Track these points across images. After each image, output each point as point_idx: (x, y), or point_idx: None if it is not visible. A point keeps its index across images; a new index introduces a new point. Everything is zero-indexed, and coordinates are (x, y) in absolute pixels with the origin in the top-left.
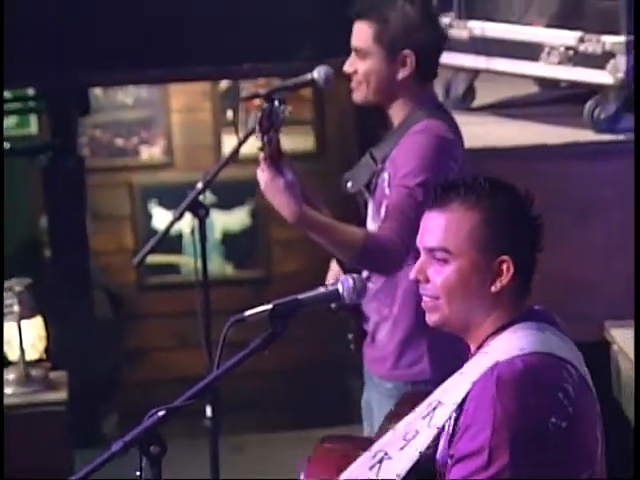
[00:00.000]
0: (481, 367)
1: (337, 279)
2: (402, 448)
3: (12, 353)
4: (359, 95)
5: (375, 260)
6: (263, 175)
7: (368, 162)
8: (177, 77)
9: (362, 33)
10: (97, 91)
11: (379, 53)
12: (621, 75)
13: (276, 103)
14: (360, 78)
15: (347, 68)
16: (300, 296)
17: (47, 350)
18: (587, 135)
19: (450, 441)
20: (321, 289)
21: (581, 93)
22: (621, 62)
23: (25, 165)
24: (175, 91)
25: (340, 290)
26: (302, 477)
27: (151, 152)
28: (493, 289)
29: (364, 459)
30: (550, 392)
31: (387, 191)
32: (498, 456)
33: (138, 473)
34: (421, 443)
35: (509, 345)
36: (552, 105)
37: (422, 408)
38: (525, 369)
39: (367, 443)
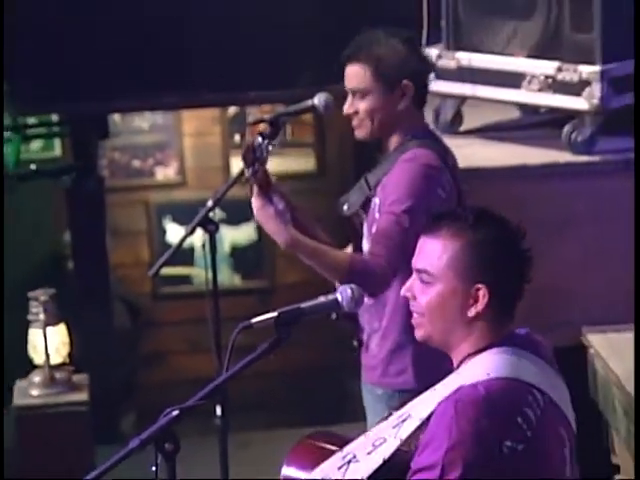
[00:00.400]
0: (449, 388)
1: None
2: (369, 453)
3: (38, 357)
4: (363, 132)
5: (361, 282)
6: (255, 203)
7: (362, 187)
8: (189, 104)
9: (357, 74)
10: (116, 117)
11: (378, 89)
12: (596, 102)
13: (259, 139)
14: (363, 116)
15: (347, 110)
16: (303, 305)
17: (70, 355)
18: (565, 156)
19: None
20: (322, 298)
21: (559, 118)
22: (596, 90)
23: (50, 185)
24: (187, 117)
25: (339, 299)
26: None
27: (165, 173)
28: (469, 314)
29: (335, 459)
30: (507, 416)
31: (377, 215)
32: (450, 472)
33: (153, 468)
34: (386, 451)
35: (479, 369)
36: (533, 129)
37: (394, 418)
38: (485, 394)
39: (347, 443)
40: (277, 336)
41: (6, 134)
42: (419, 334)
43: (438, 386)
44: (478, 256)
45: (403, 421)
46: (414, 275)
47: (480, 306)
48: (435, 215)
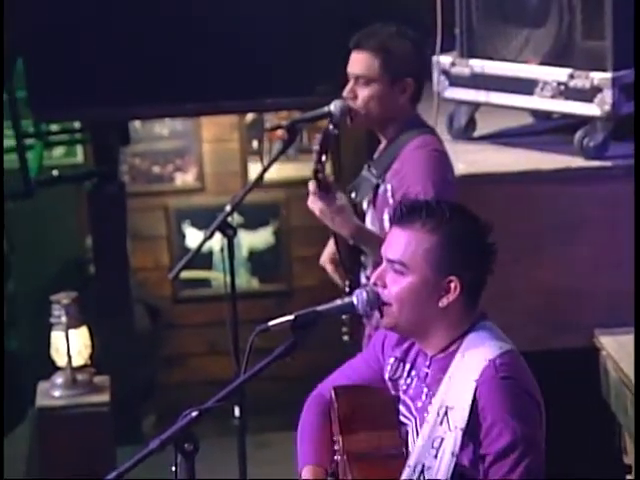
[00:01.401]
0: (473, 366)
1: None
2: (436, 456)
3: (60, 359)
4: (358, 119)
5: None
6: (318, 204)
7: (368, 175)
8: (208, 111)
9: (365, 61)
10: (136, 124)
11: (383, 80)
12: (608, 108)
13: (330, 127)
14: (361, 103)
15: (347, 93)
16: (319, 308)
17: (92, 357)
18: (577, 161)
19: (469, 441)
20: (338, 301)
21: (572, 124)
22: (608, 96)
23: (72, 191)
24: (206, 123)
25: (355, 302)
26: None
27: (185, 178)
28: (440, 304)
29: (406, 475)
30: (529, 381)
31: (391, 201)
32: (532, 442)
33: (173, 468)
34: (453, 446)
35: (486, 346)
36: (545, 135)
37: (432, 416)
38: (515, 364)
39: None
40: (294, 339)
41: (29, 141)
42: (384, 322)
43: (452, 371)
44: (452, 250)
45: (446, 414)
46: (385, 264)
47: (451, 297)
48: (408, 207)
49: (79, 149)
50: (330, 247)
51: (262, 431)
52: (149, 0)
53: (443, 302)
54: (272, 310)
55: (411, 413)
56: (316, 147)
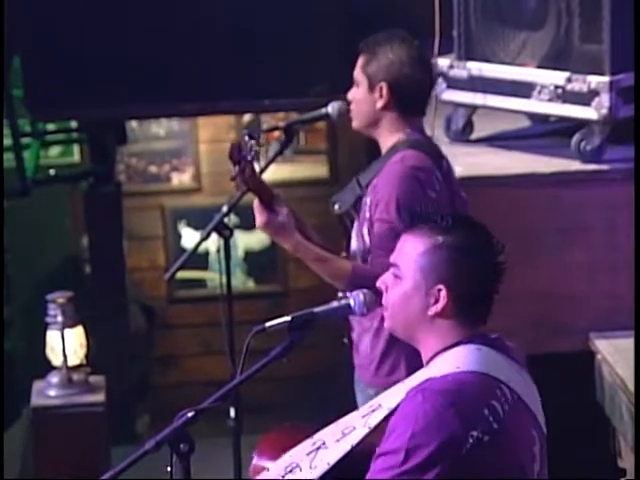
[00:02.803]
0: (418, 379)
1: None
2: (338, 440)
3: (56, 359)
4: (353, 121)
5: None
6: (259, 218)
7: (354, 187)
8: (205, 111)
9: (358, 64)
10: (133, 123)
11: (364, 83)
12: (605, 111)
13: (245, 138)
14: (353, 105)
15: (349, 96)
16: (316, 309)
17: (87, 356)
18: (574, 165)
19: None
20: (334, 303)
21: (569, 127)
22: (605, 100)
23: (68, 190)
24: (203, 124)
25: (352, 304)
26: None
27: (181, 178)
28: (429, 312)
29: (305, 444)
30: (474, 406)
31: (367, 215)
32: (413, 457)
33: (169, 469)
34: (354, 439)
35: (448, 362)
36: (543, 138)
37: (365, 408)
38: (453, 384)
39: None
40: (290, 340)
41: (25, 140)
42: (386, 325)
43: (408, 379)
44: (443, 258)
45: (373, 411)
46: (390, 268)
47: (440, 306)
48: (419, 216)
49: (75, 148)
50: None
51: (257, 432)
52: (147, 1)
53: (431, 310)
54: (268, 311)
55: None
56: (229, 159)
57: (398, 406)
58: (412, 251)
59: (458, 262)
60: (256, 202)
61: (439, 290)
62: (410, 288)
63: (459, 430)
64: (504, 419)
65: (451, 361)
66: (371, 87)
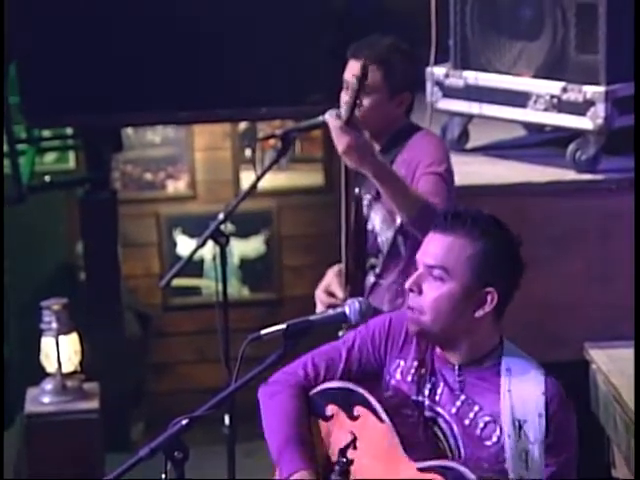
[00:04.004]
0: (532, 381)
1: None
2: (527, 468)
3: (50, 365)
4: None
5: (427, 223)
6: (344, 138)
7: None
8: (201, 119)
9: (372, 73)
10: (128, 130)
11: (383, 91)
12: (600, 121)
13: (354, 81)
14: (361, 111)
15: (344, 99)
16: (311, 317)
17: (81, 363)
18: (569, 174)
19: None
20: (330, 311)
21: (564, 137)
22: (600, 110)
23: (63, 197)
24: (199, 131)
25: (347, 312)
26: None
27: (176, 186)
28: (476, 314)
29: None
30: None
31: (413, 178)
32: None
33: (163, 476)
34: (538, 457)
35: (527, 361)
36: (538, 147)
37: (509, 431)
38: (560, 386)
39: None
40: (285, 348)
41: (21, 146)
42: (413, 329)
43: (509, 387)
44: (493, 260)
45: (521, 428)
46: (422, 269)
47: (488, 308)
48: (450, 213)
49: (71, 155)
50: (326, 280)
51: (252, 439)
52: (142, 7)
53: (479, 312)
54: (263, 318)
55: (443, 418)
56: (349, 98)
57: (547, 409)
58: (460, 252)
59: (502, 265)
60: (338, 124)
61: (488, 292)
62: (458, 290)
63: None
64: None
65: (529, 360)
66: (391, 96)
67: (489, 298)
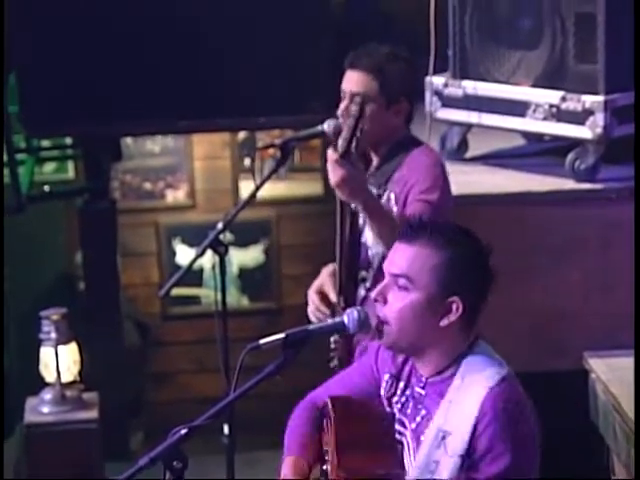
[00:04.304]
0: (473, 394)
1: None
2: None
3: (49, 375)
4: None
5: None
6: (338, 171)
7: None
8: (200, 128)
9: (363, 81)
10: (128, 140)
11: (380, 100)
12: (599, 130)
13: (354, 108)
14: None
15: (342, 111)
16: (309, 327)
17: (80, 373)
18: (568, 184)
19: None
20: (329, 320)
21: (563, 146)
22: (599, 119)
23: (63, 206)
24: (198, 141)
25: (346, 321)
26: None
27: (176, 195)
28: (441, 324)
29: None
30: (526, 404)
31: (395, 208)
32: (522, 463)
33: None
34: (448, 471)
35: (484, 372)
36: (537, 156)
37: (429, 439)
38: (514, 391)
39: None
40: (284, 357)
41: (20, 156)
42: (385, 340)
43: (452, 396)
44: (458, 270)
45: (444, 438)
46: (387, 280)
47: (453, 317)
48: (416, 224)
49: (70, 165)
50: (320, 279)
51: (251, 449)
52: (142, 17)
53: (444, 322)
54: (262, 328)
55: (406, 433)
56: (346, 132)
57: (475, 427)
58: (424, 262)
59: (469, 274)
60: (334, 157)
61: (452, 302)
62: (422, 299)
63: (535, 427)
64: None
65: (485, 366)
66: (388, 106)
67: (454, 307)
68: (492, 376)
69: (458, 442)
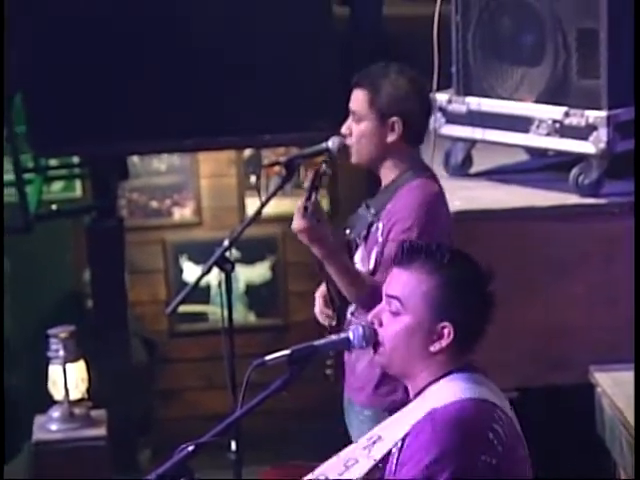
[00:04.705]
0: (420, 411)
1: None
2: (341, 474)
3: (57, 393)
4: (354, 155)
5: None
6: (300, 221)
7: (364, 213)
8: (206, 146)
9: (358, 99)
10: (134, 158)
11: (371, 118)
12: (603, 146)
13: (323, 166)
14: (354, 139)
15: (344, 130)
16: (315, 343)
17: (88, 390)
18: (572, 199)
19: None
20: (334, 337)
21: (567, 161)
22: (602, 134)
23: (70, 225)
24: (204, 159)
25: (351, 338)
26: None
27: (182, 213)
28: (432, 349)
29: None
30: (481, 433)
31: (380, 239)
32: None
33: None
34: (358, 471)
35: (446, 393)
36: (540, 172)
37: (364, 440)
38: (457, 413)
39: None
40: (290, 373)
41: (28, 175)
42: (379, 360)
43: (405, 410)
44: (450, 295)
45: (374, 442)
46: (383, 303)
47: (444, 343)
48: (409, 248)
49: (78, 184)
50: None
51: (258, 465)
52: (147, 37)
53: (435, 347)
54: (268, 344)
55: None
56: (307, 184)
57: (405, 438)
58: (416, 287)
59: (461, 298)
60: (299, 204)
61: (444, 327)
62: (413, 324)
63: (470, 456)
64: (506, 442)
65: (450, 389)
66: (381, 122)
67: (445, 332)
68: (449, 395)
69: (382, 448)
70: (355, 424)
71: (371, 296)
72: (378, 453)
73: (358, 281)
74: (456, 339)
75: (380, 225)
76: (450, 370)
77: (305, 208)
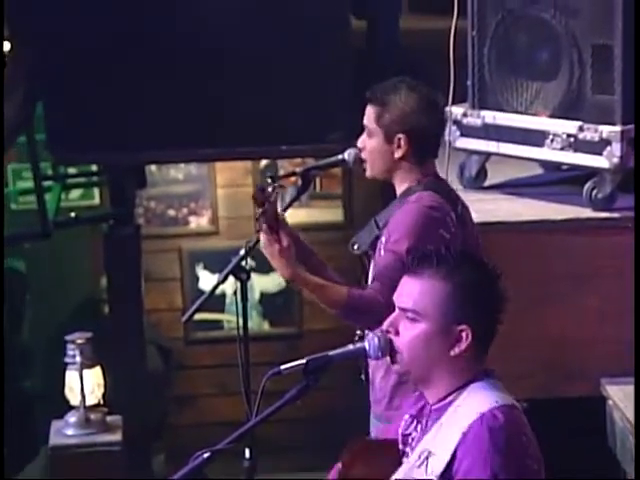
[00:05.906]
0: (464, 417)
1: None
2: None
3: (74, 398)
4: (367, 169)
5: (357, 316)
6: (263, 240)
7: (372, 227)
8: (223, 156)
9: (370, 115)
10: (152, 167)
11: (379, 134)
12: (616, 160)
13: (268, 180)
14: (366, 154)
15: (359, 144)
16: (330, 353)
17: (104, 396)
18: (585, 212)
19: None
20: (350, 346)
21: (581, 175)
22: (616, 149)
23: (88, 232)
24: (221, 168)
25: (367, 347)
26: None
27: (199, 222)
28: (452, 353)
29: None
30: (524, 438)
31: (382, 253)
32: None
33: None
34: None
35: (482, 399)
36: (554, 185)
37: (413, 458)
38: (506, 420)
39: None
40: (305, 383)
41: (47, 183)
42: (396, 368)
43: (444, 420)
44: (464, 298)
45: (427, 458)
46: (397, 312)
47: (463, 346)
48: (419, 256)
49: (96, 191)
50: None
51: (272, 472)
52: (166, 47)
53: (455, 351)
54: (283, 352)
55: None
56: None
57: (456, 449)
58: (431, 294)
59: (477, 301)
60: (264, 228)
61: (461, 330)
62: (431, 331)
63: (522, 462)
64: (535, 445)
65: (484, 396)
66: (388, 139)
67: (464, 335)
68: (487, 402)
69: (439, 463)
70: (372, 435)
71: (350, 307)
72: (438, 468)
73: (332, 296)
74: (474, 341)
75: (383, 239)
76: (473, 377)
77: (270, 228)
